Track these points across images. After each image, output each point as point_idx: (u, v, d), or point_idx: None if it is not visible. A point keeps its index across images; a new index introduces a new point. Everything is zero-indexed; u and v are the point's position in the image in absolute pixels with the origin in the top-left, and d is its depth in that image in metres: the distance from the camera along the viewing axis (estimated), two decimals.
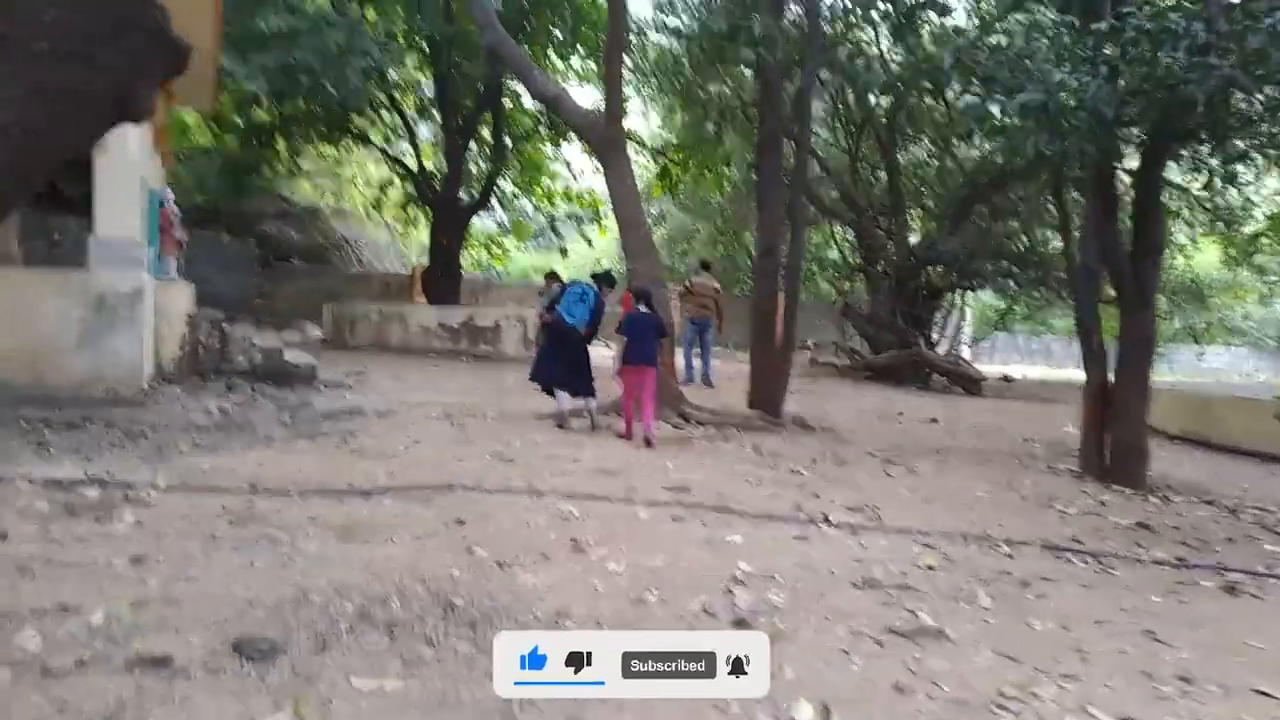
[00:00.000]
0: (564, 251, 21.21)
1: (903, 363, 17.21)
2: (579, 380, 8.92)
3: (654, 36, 18.88)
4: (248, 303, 21.79)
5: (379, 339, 15.38)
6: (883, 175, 21.23)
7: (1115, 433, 7.87)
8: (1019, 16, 7.31)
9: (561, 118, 11.32)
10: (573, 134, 19.90)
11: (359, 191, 23.42)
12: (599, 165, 20.19)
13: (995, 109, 6.13)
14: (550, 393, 8.99)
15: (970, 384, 16.89)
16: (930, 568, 4.85)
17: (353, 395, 9.95)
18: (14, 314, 7.77)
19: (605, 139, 9.89)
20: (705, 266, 14.60)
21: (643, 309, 8.52)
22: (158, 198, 9.57)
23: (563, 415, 8.77)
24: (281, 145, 17.46)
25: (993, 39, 6.70)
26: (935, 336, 19.86)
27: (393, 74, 16.62)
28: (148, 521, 4.78)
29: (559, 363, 8.91)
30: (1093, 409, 8.00)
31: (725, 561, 4.69)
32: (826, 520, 5.73)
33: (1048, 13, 6.99)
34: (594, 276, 9.39)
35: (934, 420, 11.45)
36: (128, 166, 8.22)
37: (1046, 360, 31.70)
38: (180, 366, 9.71)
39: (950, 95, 19.17)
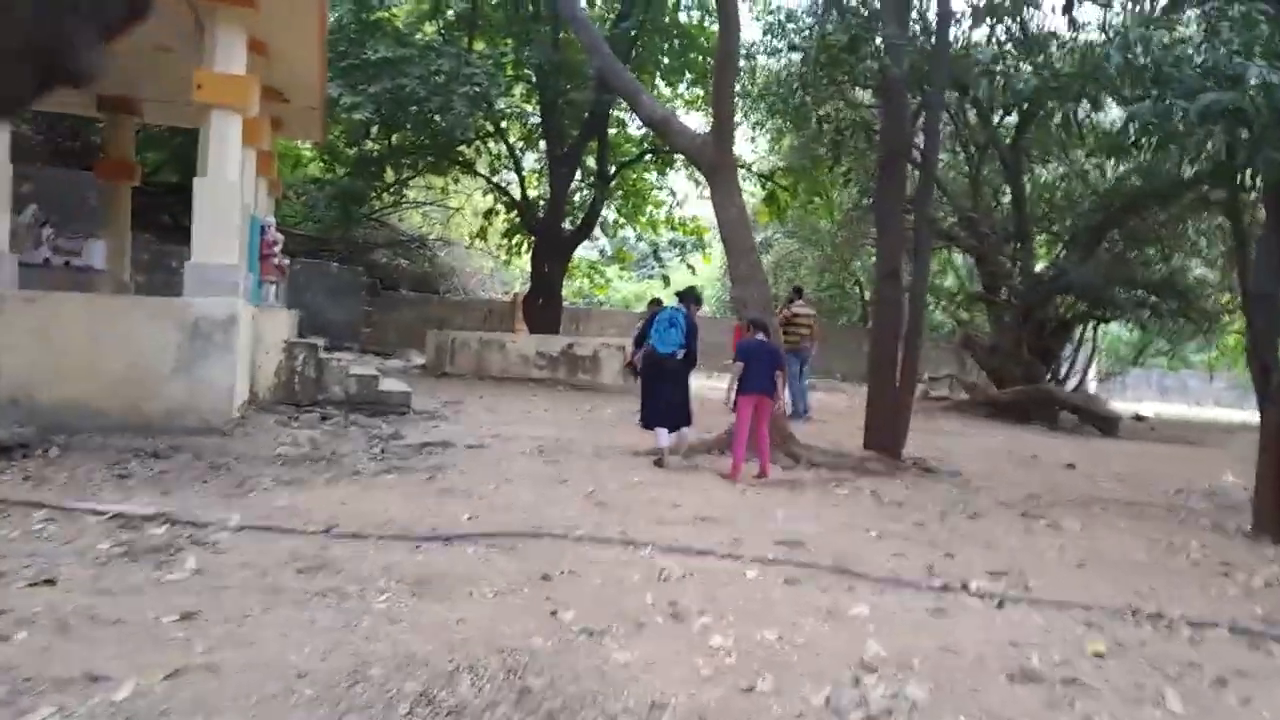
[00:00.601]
0: (666, 279, 20.74)
1: (1029, 399, 15.98)
2: (678, 413, 8.41)
3: (763, 60, 18.39)
4: (356, 330, 22.09)
5: (478, 367, 15.15)
6: (1005, 199, 20.07)
7: None
8: (1197, 9, 6.41)
9: (669, 141, 10.85)
10: (678, 159, 19.53)
11: (465, 220, 23.54)
12: (706, 189, 19.80)
13: (1174, 113, 5.27)
14: (649, 427, 8.49)
15: (1104, 423, 15.54)
16: (1099, 655, 4.03)
17: (446, 426, 9.61)
18: (114, 342, 7.69)
19: (714, 162, 9.34)
20: (799, 293, 13.81)
21: (760, 337, 8.11)
22: (259, 224, 9.50)
23: (662, 453, 8.23)
24: (390, 175, 17.57)
25: (1162, 35, 5.84)
26: (1063, 371, 18.48)
27: (499, 103, 16.52)
28: (210, 568, 4.40)
29: (660, 398, 8.38)
30: (1273, 458, 6.92)
31: (850, 639, 3.99)
32: (965, 588, 4.94)
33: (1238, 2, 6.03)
34: (679, 295, 8.83)
35: (1071, 465, 10.37)
36: (226, 190, 8.10)
37: (1183, 397, 29.43)
38: (276, 395, 9.56)
39: (1082, 112, 18.02)
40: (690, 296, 8.74)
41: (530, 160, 21.82)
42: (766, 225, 24.56)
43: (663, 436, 8.31)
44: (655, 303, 11.70)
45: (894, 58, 7.94)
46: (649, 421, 8.47)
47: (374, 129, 15.68)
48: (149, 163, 20.88)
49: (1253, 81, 4.86)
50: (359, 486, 6.61)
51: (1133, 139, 6.46)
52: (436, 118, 13.96)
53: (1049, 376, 17.15)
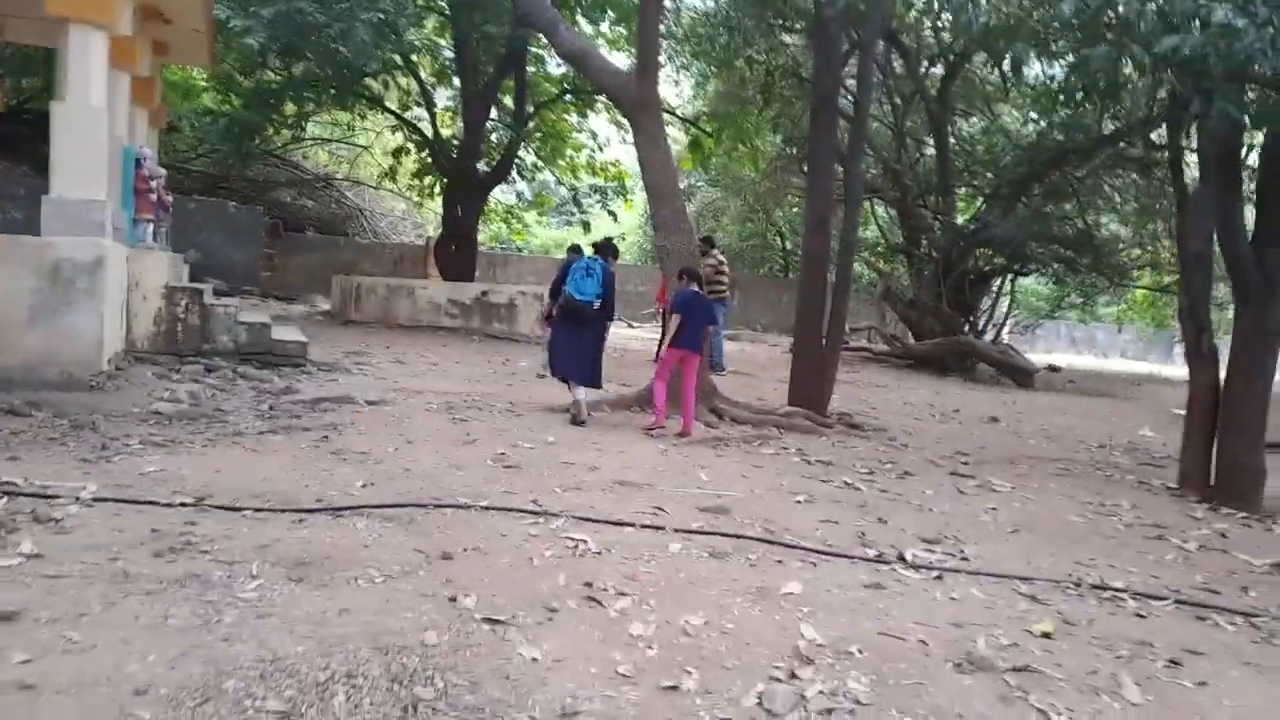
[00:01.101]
0: (587, 226, 20.02)
1: (948, 351, 16.00)
2: (587, 367, 7.95)
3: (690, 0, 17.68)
4: (256, 273, 20.86)
5: (386, 315, 14.34)
6: (928, 151, 19.94)
7: (1227, 447, 6.69)
8: None
9: (589, 77, 10.18)
10: (599, 101, 18.75)
11: (374, 160, 22.33)
12: (629, 130, 19.11)
13: (1124, 62, 4.91)
14: (559, 375, 8.07)
15: (1021, 375, 15.66)
16: (1047, 636, 3.75)
17: (346, 380, 8.93)
18: None
19: (637, 100, 8.75)
20: (710, 243, 12.89)
21: (694, 288, 7.82)
22: (134, 155, 8.55)
23: (579, 408, 7.77)
24: (290, 108, 16.36)
25: None
26: (980, 324, 18.60)
27: (409, 34, 15.46)
28: (50, 552, 3.75)
29: (574, 350, 7.90)
30: (1201, 418, 6.82)
31: (783, 623, 3.62)
32: (902, 559, 4.62)
33: None
34: (595, 246, 8.41)
35: (994, 419, 10.28)
36: (89, 116, 7.18)
37: (1091, 349, 30.28)
38: (156, 344, 8.72)
39: (1005, 63, 17.87)
40: (607, 248, 8.33)
41: (444, 98, 20.74)
42: (690, 173, 24.02)
43: (580, 391, 7.88)
44: (574, 249, 11.09)
45: None
46: (558, 367, 8.02)
47: (271, 57, 14.48)
48: (26, 88, 19.15)
49: (1215, 21, 4.51)
50: (241, 449, 5.96)
51: (1079, 89, 6.10)
52: (338, 47, 12.89)
53: (967, 329, 17.20)
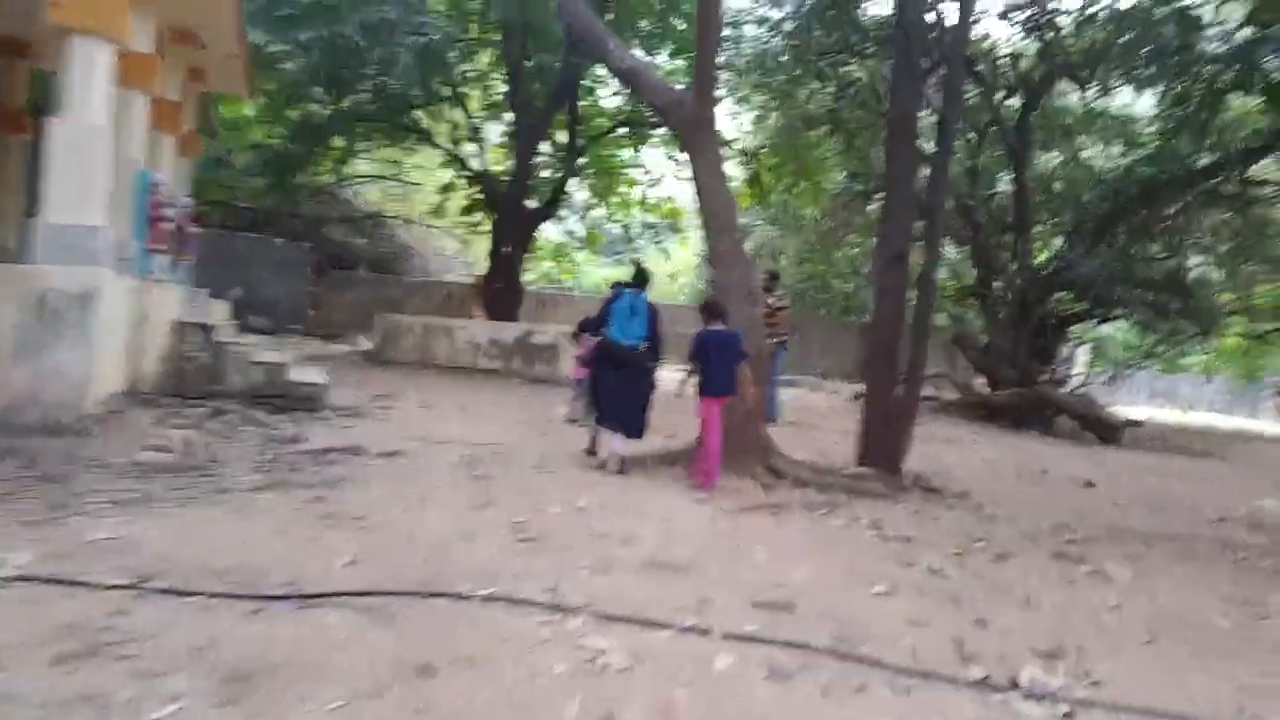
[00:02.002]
0: (639, 266, 19.29)
1: (1025, 402, 14.72)
2: (633, 417, 7.22)
3: (751, 30, 16.97)
4: (301, 312, 20.49)
5: (423, 355, 13.64)
6: (1003, 187, 18.80)
7: None
8: None
9: (643, 94, 9.36)
10: (654, 135, 18.06)
11: (425, 197, 21.91)
12: (684, 167, 18.31)
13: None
14: (605, 424, 7.31)
15: (1106, 431, 14.31)
16: None
17: (365, 427, 8.13)
18: None
19: (693, 118, 7.91)
20: (775, 279, 11.45)
21: (718, 326, 7.00)
22: (149, 181, 7.95)
23: (619, 460, 7.06)
24: (338, 142, 15.94)
25: None
26: (1059, 373, 17.27)
27: (459, 67, 15.00)
28: None
29: (618, 397, 7.20)
30: None
31: None
32: (1015, 685, 3.57)
33: None
34: (634, 280, 7.74)
35: (1090, 484, 9.06)
36: (88, 135, 6.56)
37: (1172, 402, 28.40)
38: (163, 384, 8.05)
39: (1091, 92, 16.75)
40: (641, 278, 7.67)
41: (495, 133, 20.29)
42: (747, 209, 23.16)
43: (617, 441, 7.10)
44: (618, 286, 10.24)
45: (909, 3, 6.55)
46: (607, 416, 7.28)
47: (315, 88, 14.07)
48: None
49: None
50: (221, 509, 5.14)
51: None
52: (383, 76, 12.39)
53: (1045, 378, 15.90)
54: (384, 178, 24.30)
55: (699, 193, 8.12)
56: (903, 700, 3.35)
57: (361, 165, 25.18)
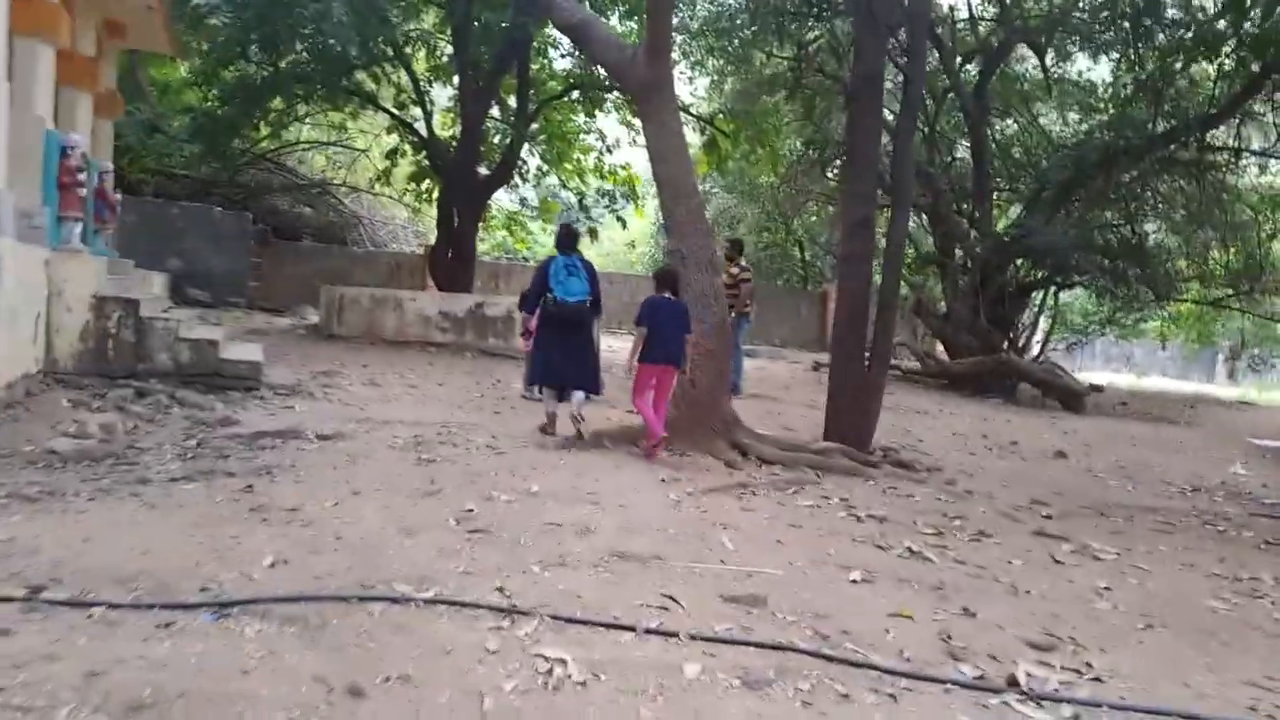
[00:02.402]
0: (594, 233, 18.76)
1: (988, 370, 14.58)
2: (586, 373, 7.21)
3: None
4: (242, 284, 19.64)
5: (370, 329, 13.05)
6: (961, 155, 18.61)
7: None
8: None
9: (592, 53, 8.88)
10: (608, 99, 17.49)
11: (372, 164, 21.09)
12: (639, 130, 17.80)
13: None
14: (543, 384, 7.44)
15: (1070, 398, 14.23)
16: None
17: (304, 406, 7.62)
18: None
19: (646, 80, 7.45)
20: (738, 248, 10.84)
21: (667, 295, 6.87)
22: (58, 143, 7.29)
23: (552, 420, 7.19)
24: (277, 103, 15.11)
25: None
26: (1021, 340, 17.18)
27: (401, 26, 14.27)
28: None
29: (567, 356, 7.10)
30: None
31: None
32: (1015, 684, 3.26)
33: None
34: (560, 241, 7.63)
35: (1061, 454, 8.87)
36: None
37: (1128, 367, 28.69)
38: (82, 364, 7.44)
39: (1049, 58, 16.54)
40: (568, 238, 7.54)
41: (444, 98, 19.55)
42: (704, 177, 22.73)
43: (576, 399, 7.12)
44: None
45: None
46: (544, 377, 7.36)
47: (250, 47, 13.26)
48: None
49: None
50: (136, 504, 4.65)
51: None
52: (316, 29, 11.67)
53: (1006, 346, 15.79)
54: (329, 144, 23.41)
55: (654, 159, 7.69)
56: (891, 707, 3.01)
57: (306, 132, 24.31)
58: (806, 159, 18.98)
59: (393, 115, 16.86)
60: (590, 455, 6.57)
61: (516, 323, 13.41)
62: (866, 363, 7.33)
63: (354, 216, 24.66)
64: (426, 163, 17.13)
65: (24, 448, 5.56)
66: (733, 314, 9.41)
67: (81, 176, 7.46)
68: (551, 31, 16.53)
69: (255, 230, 20.16)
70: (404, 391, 8.96)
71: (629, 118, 17.93)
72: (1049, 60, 16.59)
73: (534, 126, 17.11)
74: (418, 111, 16.78)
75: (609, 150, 18.35)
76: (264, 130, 15.21)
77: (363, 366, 10.51)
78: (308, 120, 22.95)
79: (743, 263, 10.11)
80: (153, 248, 18.26)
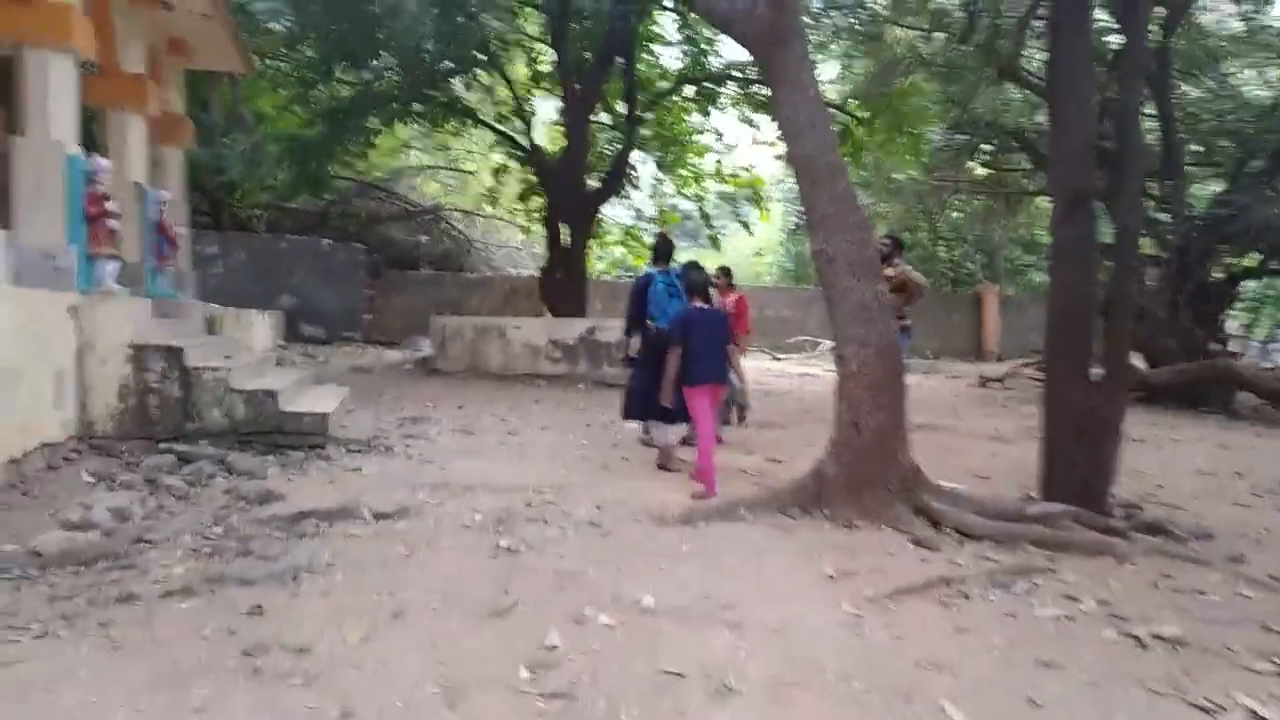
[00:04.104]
0: (716, 242, 17.16)
1: (1202, 379, 12.09)
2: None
3: None
4: (355, 317, 18.99)
5: (475, 362, 11.80)
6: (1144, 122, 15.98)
7: None
8: None
9: (698, 8, 7.26)
10: (724, 94, 15.89)
11: (480, 186, 20.09)
12: (762, 130, 16.05)
13: None
14: (642, 418, 6.94)
15: None
16: None
17: (374, 468, 6.27)
18: None
19: (769, 28, 5.78)
20: (898, 246, 8.88)
21: (699, 305, 6.22)
22: (81, 168, 6.24)
23: (668, 456, 6.62)
24: (373, 123, 14.16)
25: None
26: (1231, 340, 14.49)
27: (494, 26, 13.09)
28: None
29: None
30: None
31: None
32: None
33: None
34: (655, 254, 7.22)
35: None
36: None
37: None
38: (123, 426, 6.34)
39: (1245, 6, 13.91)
40: (663, 250, 7.12)
41: (548, 110, 18.42)
42: None
43: (660, 431, 6.64)
44: (695, 268, 8.17)
45: None
46: (643, 411, 6.73)
47: (337, 66, 12.33)
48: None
49: None
50: (94, 644, 3.36)
51: None
52: (404, 41, 10.57)
53: (1216, 347, 13.20)
54: (437, 168, 22.71)
55: (787, 134, 5.98)
56: None
57: (415, 157, 23.72)
58: (951, 145, 16.84)
59: (494, 129, 15.74)
60: (723, 531, 4.91)
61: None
62: (1092, 382, 5.39)
63: (468, 242, 23.87)
64: (534, 178, 15.92)
65: (4, 546, 4.36)
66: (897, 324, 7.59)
67: (111, 206, 6.37)
68: (656, 24, 15.08)
69: (367, 261, 19.52)
70: (499, 441, 7.53)
71: (749, 114, 16.27)
72: (1245, 8, 13.97)
73: (644, 130, 15.64)
74: (521, 124, 15.60)
75: (729, 151, 16.71)
76: (357, 152, 14.27)
77: (458, 408, 9.19)
78: (415, 145, 22.35)
79: (902, 264, 8.26)
80: (263, 285, 17.80)
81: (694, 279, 6.33)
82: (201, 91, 18.78)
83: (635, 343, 6.89)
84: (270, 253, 18.22)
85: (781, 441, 8.05)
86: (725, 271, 9.00)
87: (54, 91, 6.21)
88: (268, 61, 16.88)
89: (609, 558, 4.39)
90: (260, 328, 14.61)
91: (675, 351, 5.96)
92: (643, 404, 6.62)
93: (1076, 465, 5.26)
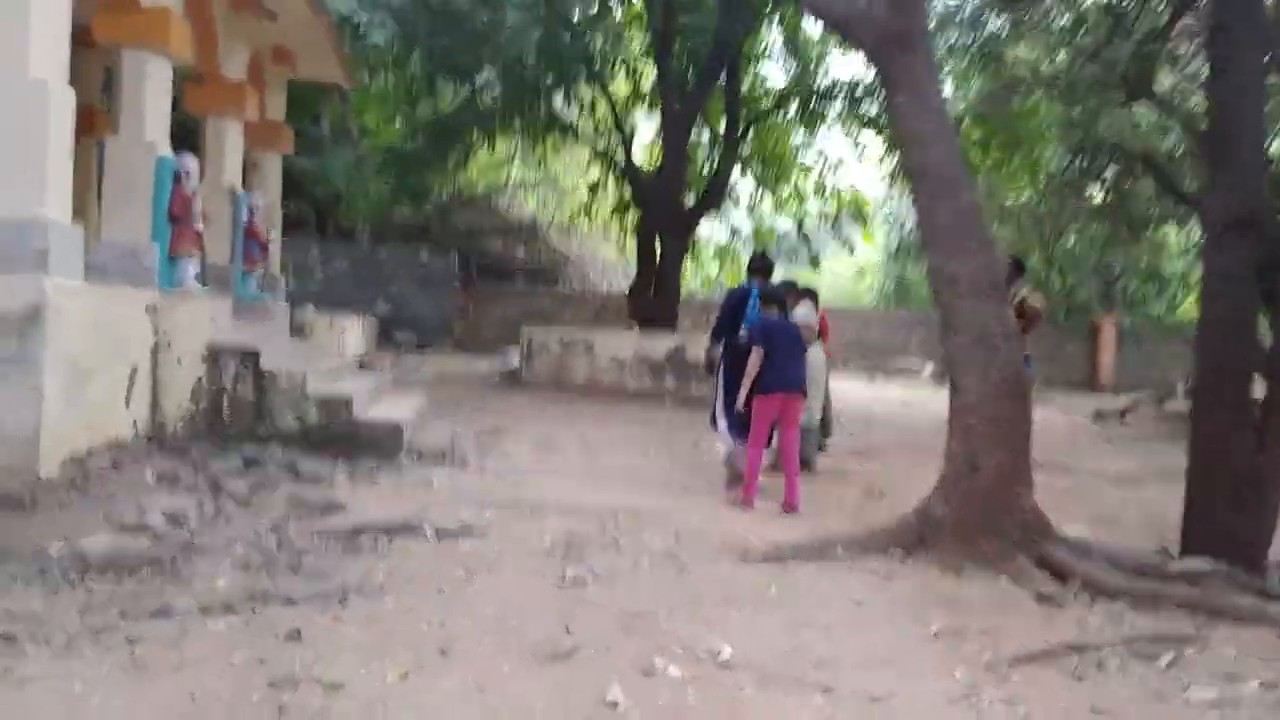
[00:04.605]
0: (816, 262, 16.57)
1: None
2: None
3: None
4: (448, 326, 19.09)
5: (560, 375, 11.52)
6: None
7: None
8: None
9: (812, 7, 6.79)
10: (830, 112, 15.36)
11: (577, 202, 20.01)
12: (868, 148, 15.44)
13: None
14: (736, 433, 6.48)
15: None
16: None
17: (444, 480, 5.97)
18: None
19: (890, 33, 5.29)
20: (1020, 268, 8.48)
21: (776, 314, 6.23)
22: (170, 168, 6.17)
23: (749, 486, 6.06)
24: (473, 137, 14.11)
25: None
26: None
27: (597, 42, 12.91)
28: None
29: None
30: None
31: None
32: None
33: None
34: (751, 268, 7.20)
35: None
36: (24, 90, 4.70)
37: None
38: (195, 428, 6.22)
39: None
40: (761, 266, 6.99)
41: (645, 124, 18.18)
42: None
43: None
44: (791, 290, 7.68)
45: None
46: (734, 425, 6.39)
47: (440, 80, 12.32)
48: None
49: None
50: (114, 663, 3.08)
51: None
52: (507, 55, 10.47)
53: None
54: (536, 183, 22.78)
55: (905, 140, 5.51)
56: None
57: (516, 172, 23.85)
58: (1071, 170, 15.85)
59: (593, 146, 15.56)
60: (815, 575, 4.39)
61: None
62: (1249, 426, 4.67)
63: (563, 256, 23.82)
64: (629, 194, 15.65)
65: (50, 547, 4.17)
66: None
67: (196, 207, 6.28)
68: (761, 40, 14.67)
69: (461, 273, 19.62)
70: (576, 458, 7.17)
71: (854, 131, 15.66)
72: None
73: (744, 148, 15.21)
74: (618, 141, 15.34)
75: (833, 169, 16.11)
76: (456, 166, 14.26)
77: (538, 423, 8.87)
78: (515, 160, 22.46)
79: (1023, 288, 7.58)
80: (362, 292, 18.07)
81: (774, 290, 6.43)
82: (315, 105, 19.35)
83: (718, 352, 6.78)
84: (369, 261, 18.50)
85: (882, 473, 7.45)
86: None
87: (149, 93, 6.16)
88: (374, 77, 17.25)
89: (684, 598, 3.93)
90: (353, 332, 14.71)
91: (757, 352, 5.95)
92: (734, 419, 6.37)
93: (1229, 520, 4.55)
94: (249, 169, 9.60)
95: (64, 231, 4.87)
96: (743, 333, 6.47)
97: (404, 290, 18.47)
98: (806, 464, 7.27)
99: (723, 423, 6.60)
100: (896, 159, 15.52)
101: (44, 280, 4.61)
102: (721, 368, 6.70)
